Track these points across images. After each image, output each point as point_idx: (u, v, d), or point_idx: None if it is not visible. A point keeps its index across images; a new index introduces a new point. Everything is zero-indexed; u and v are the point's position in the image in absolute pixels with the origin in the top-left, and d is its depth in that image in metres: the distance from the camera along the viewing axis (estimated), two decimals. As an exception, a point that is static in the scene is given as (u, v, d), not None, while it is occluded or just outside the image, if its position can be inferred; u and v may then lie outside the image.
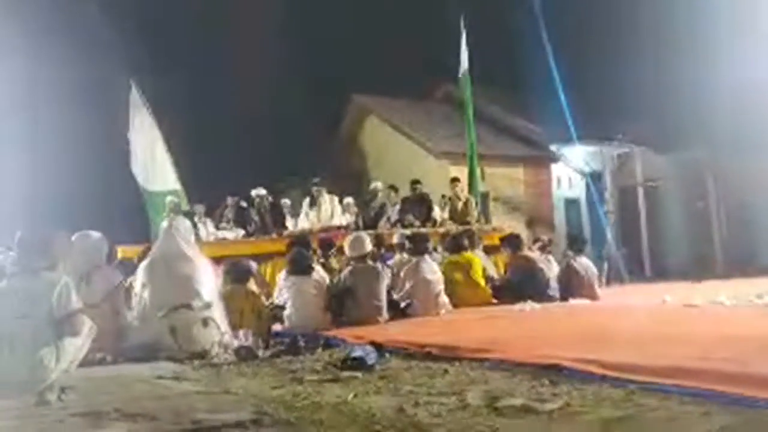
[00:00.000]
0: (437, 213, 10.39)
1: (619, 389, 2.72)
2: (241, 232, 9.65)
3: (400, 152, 16.38)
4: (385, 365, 3.80)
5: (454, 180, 10.89)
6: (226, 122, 17.86)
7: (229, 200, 10.24)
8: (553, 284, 7.75)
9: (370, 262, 6.71)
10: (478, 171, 12.11)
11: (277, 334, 5.74)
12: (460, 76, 12.06)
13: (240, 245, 8.97)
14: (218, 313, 4.95)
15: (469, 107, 11.92)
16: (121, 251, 7.94)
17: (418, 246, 7.37)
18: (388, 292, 6.66)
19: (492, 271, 8.39)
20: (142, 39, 15.11)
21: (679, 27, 14.95)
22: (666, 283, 11.80)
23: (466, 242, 8.15)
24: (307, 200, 10.46)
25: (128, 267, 6.30)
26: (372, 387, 3.19)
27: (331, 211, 10.17)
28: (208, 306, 4.88)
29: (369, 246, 6.85)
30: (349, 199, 10.72)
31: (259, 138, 17.42)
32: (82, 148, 13.13)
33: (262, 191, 10.25)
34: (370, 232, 8.73)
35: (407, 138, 16.47)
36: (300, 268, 6.32)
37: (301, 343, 4.83)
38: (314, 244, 7.68)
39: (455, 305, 7.12)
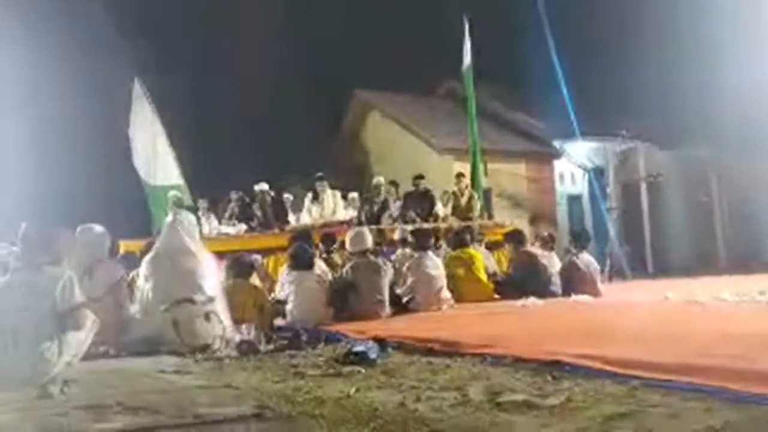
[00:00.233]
0: (440, 209, 10.38)
1: (621, 385, 2.72)
2: (243, 227, 9.66)
3: (402, 148, 16.37)
4: (387, 360, 3.80)
5: (459, 175, 10.87)
6: (227, 120, 17.86)
7: (233, 195, 10.25)
8: (556, 280, 7.75)
9: (371, 258, 6.72)
10: (481, 166, 12.09)
11: (279, 328, 5.75)
12: (463, 70, 12.03)
13: (243, 240, 8.98)
14: (221, 308, 4.96)
15: (471, 102, 11.90)
16: (123, 245, 7.98)
17: (420, 241, 7.37)
18: (391, 288, 6.67)
19: (493, 267, 8.39)
20: (144, 38, 15.10)
21: (683, 27, 14.93)
22: (668, 279, 11.79)
23: (468, 238, 8.15)
24: (309, 195, 10.47)
25: (131, 261, 6.32)
26: (374, 382, 3.19)
27: (333, 206, 10.18)
28: (210, 300, 4.89)
29: (370, 241, 6.86)
30: (354, 194, 10.73)
31: (261, 136, 17.43)
32: (84, 143, 13.14)
33: (265, 186, 10.26)
34: (372, 227, 8.74)
35: (410, 133, 16.46)
36: (301, 263, 6.32)
37: (303, 338, 4.84)
38: (316, 239, 7.69)
39: (457, 301, 7.13)
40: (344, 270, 6.67)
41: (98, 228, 5.26)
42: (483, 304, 7.03)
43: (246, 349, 4.56)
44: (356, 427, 2.34)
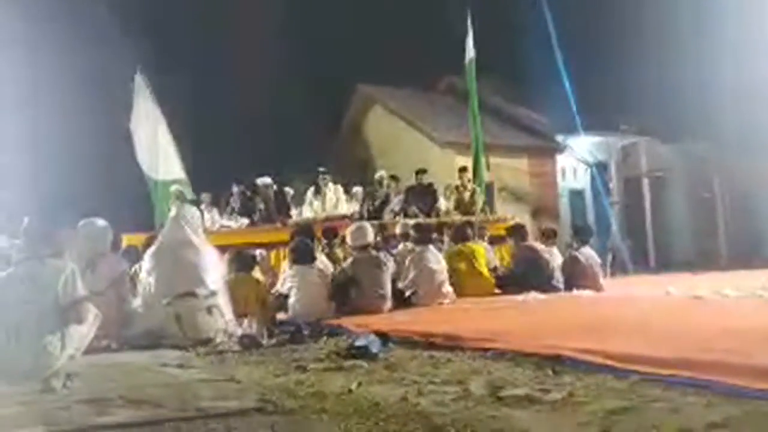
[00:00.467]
0: (442, 203, 10.38)
1: (622, 380, 2.73)
2: (246, 221, 9.67)
3: (404, 142, 16.35)
4: (388, 354, 3.81)
5: (463, 170, 10.85)
6: (228, 118, 17.88)
7: (235, 189, 10.25)
8: (557, 275, 7.75)
9: (372, 252, 6.72)
10: (483, 161, 12.07)
11: (281, 322, 5.76)
12: (465, 62, 11.99)
13: (245, 234, 8.99)
14: (223, 302, 4.97)
15: (474, 96, 11.86)
16: (126, 239, 7.99)
17: (422, 236, 7.37)
18: (393, 282, 6.67)
19: (494, 262, 8.38)
20: (145, 37, 15.09)
21: (684, 25, 14.89)
22: (670, 274, 11.78)
23: (470, 232, 8.15)
24: (311, 189, 10.46)
25: (133, 255, 6.34)
26: (376, 376, 3.20)
27: (335, 200, 10.18)
28: (213, 294, 4.91)
29: (371, 236, 6.86)
30: (358, 188, 10.73)
31: (262, 135, 17.45)
32: (87, 138, 13.16)
33: (268, 180, 10.25)
34: (374, 222, 8.74)
35: (412, 128, 16.44)
36: (303, 257, 6.33)
37: (305, 332, 4.85)
38: (318, 234, 7.69)
39: (459, 295, 7.12)
40: (345, 264, 6.67)
41: (101, 222, 5.27)
42: (484, 299, 7.02)
43: (248, 343, 4.57)
44: (358, 421, 2.35)
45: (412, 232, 7.76)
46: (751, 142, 13.35)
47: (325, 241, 7.77)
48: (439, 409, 2.44)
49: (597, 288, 7.56)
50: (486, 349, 3.66)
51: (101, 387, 3.14)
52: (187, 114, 13.71)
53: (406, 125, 16.64)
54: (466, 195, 10.50)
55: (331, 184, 10.29)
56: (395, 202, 10.09)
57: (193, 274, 4.91)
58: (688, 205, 16.47)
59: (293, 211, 10.28)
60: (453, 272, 7.31)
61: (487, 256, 8.01)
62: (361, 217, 9.39)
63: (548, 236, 8.77)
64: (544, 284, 7.38)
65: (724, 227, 16.08)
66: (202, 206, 9.59)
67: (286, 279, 6.31)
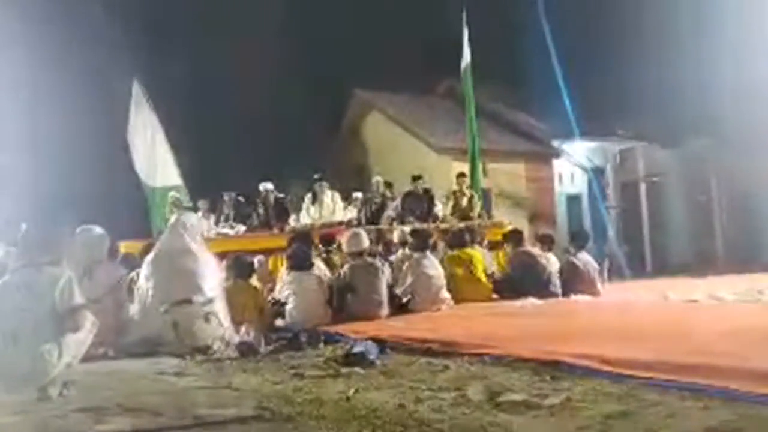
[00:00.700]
0: (439, 209, 10.38)
1: (619, 384, 2.73)
2: (242, 228, 9.65)
3: (402, 147, 16.36)
4: (386, 361, 3.81)
5: (461, 175, 10.86)
6: (227, 120, 17.88)
7: (225, 196, 10.21)
8: (555, 280, 7.75)
9: (368, 259, 6.72)
10: (480, 166, 12.09)
11: (278, 329, 5.75)
12: (462, 68, 12.02)
13: (242, 241, 8.98)
14: (220, 309, 4.97)
15: (471, 101, 11.89)
16: (123, 246, 7.97)
17: (419, 242, 7.37)
18: (390, 288, 6.67)
19: (492, 267, 8.37)
20: (144, 38, 15.11)
21: (683, 25, 14.93)
22: (667, 279, 11.79)
23: (468, 238, 8.14)
24: (309, 196, 10.45)
25: (130, 262, 6.32)
26: (373, 382, 3.20)
27: (333, 207, 10.17)
28: (210, 301, 4.90)
29: (366, 242, 6.87)
30: (358, 194, 10.73)
31: (260, 136, 17.42)
32: (84, 144, 13.15)
33: (270, 185, 10.23)
34: (371, 227, 8.73)
35: (409, 133, 16.45)
36: (300, 263, 6.33)
37: (303, 339, 4.84)
38: (316, 240, 7.69)
39: (456, 301, 7.11)
40: (342, 271, 6.67)
41: (98, 229, 5.27)
42: (482, 305, 7.02)
43: (246, 350, 4.56)
44: (356, 427, 2.35)
45: (409, 239, 7.77)
46: (751, 142, 13.37)
47: (322, 248, 7.76)
48: (437, 416, 2.44)
49: (594, 293, 7.56)
50: (483, 355, 3.66)
51: (98, 395, 3.13)
52: (186, 116, 13.73)
53: (403, 131, 16.66)
54: (464, 200, 10.51)
55: (328, 191, 10.29)
56: (392, 208, 10.09)
57: (190, 282, 4.91)
58: (685, 208, 16.48)
59: (291, 218, 10.27)
60: (450, 278, 7.30)
61: (484, 261, 8.01)
62: (359, 224, 9.39)
63: (545, 242, 8.77)
64: (542, 290, 7.38)
65: (721, 230, 16.08)
66: (199, 213, 9.58)
67: (284, 285, 6.30)
